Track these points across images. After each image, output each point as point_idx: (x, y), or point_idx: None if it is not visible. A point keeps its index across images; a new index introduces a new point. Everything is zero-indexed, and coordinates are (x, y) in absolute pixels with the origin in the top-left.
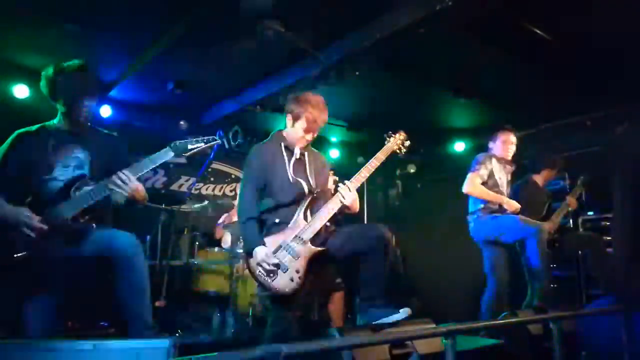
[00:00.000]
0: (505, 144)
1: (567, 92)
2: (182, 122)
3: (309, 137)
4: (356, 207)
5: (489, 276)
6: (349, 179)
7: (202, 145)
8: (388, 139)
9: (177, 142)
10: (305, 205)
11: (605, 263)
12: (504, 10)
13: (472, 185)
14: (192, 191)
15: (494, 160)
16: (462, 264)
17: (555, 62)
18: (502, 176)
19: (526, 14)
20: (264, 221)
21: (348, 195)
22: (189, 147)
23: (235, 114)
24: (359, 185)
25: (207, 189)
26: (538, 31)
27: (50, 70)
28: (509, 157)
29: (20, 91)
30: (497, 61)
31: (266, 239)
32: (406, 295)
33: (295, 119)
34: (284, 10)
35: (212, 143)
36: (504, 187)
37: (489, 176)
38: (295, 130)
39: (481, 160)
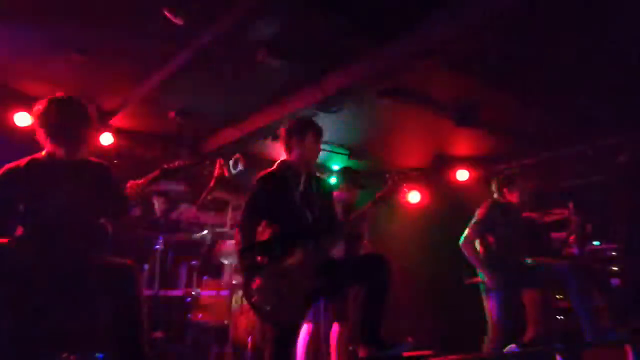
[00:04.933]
0: None
1: (568, 121)
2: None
3: (311, 161)
4: None
5: None
6: (350, 207)
7: (188, 162)
8: (389, 180)
9: (166, 165)
10: (310, 235)
11: (612, 294)
12: (502, 44)
13: None
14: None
15: None
16: (465, 294)
17: (556, 92)
18: None
19: (525, 47)
20: (266, 250)
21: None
22: (177, 164)
23: (236, 142)
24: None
25: (206, 217)
26: (535, 64)
27: (36, 109)
28: None
29: (22, 119)
30: (497, 92)
31: (267, 268)
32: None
33: (289, 150)
34: (286, 40)
35: (199, 161)
36: None
37: None
38: (294, 157)
39: None
